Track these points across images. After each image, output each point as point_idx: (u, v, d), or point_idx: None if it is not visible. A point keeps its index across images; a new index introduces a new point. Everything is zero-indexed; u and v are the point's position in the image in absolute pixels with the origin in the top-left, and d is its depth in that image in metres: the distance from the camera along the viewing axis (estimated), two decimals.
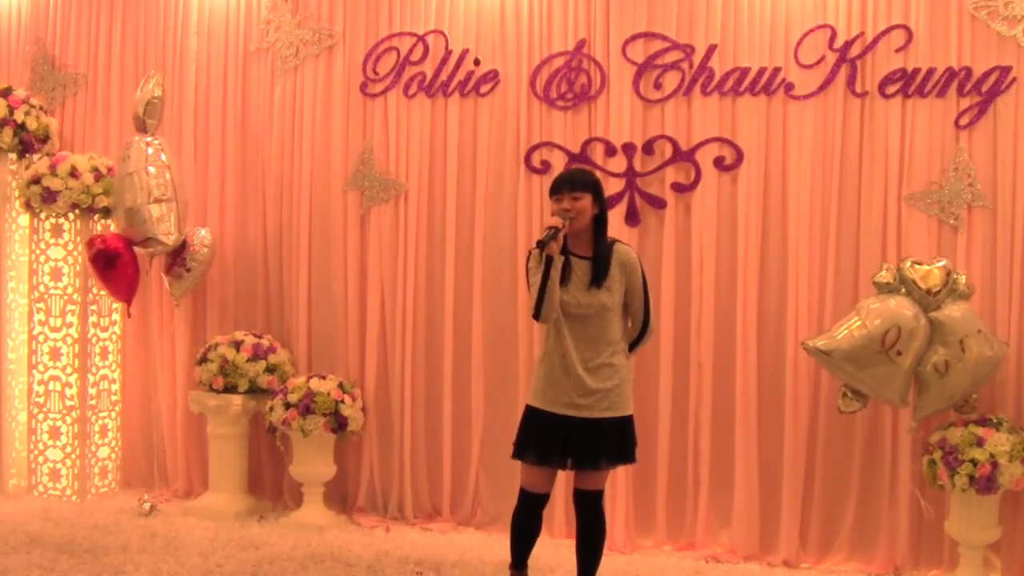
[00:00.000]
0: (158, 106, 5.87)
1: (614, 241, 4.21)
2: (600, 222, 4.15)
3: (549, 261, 3.96)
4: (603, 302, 4.07)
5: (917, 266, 4.80)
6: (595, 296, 4.06)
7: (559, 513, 5.48)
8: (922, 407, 4.86)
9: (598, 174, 5.46)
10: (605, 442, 4.12)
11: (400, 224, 5.87)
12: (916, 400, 4.88)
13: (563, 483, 5.50)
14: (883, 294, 4.82)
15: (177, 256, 5.96)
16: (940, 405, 4.85)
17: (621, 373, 4.13)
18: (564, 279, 4.05)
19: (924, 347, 4.74)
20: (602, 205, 4.15)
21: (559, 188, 4.12)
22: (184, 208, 5.90)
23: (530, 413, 4.20)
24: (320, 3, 6.03)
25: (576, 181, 4.13)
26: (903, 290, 4.80)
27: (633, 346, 4.25)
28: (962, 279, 4.81)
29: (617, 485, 5.45)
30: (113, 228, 6.08)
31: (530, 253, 4.16)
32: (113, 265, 5.79)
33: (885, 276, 4.84)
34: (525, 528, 4.27)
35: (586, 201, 4.07)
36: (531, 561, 4.50)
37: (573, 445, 4.10)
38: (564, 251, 4.05)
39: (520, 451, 4.20)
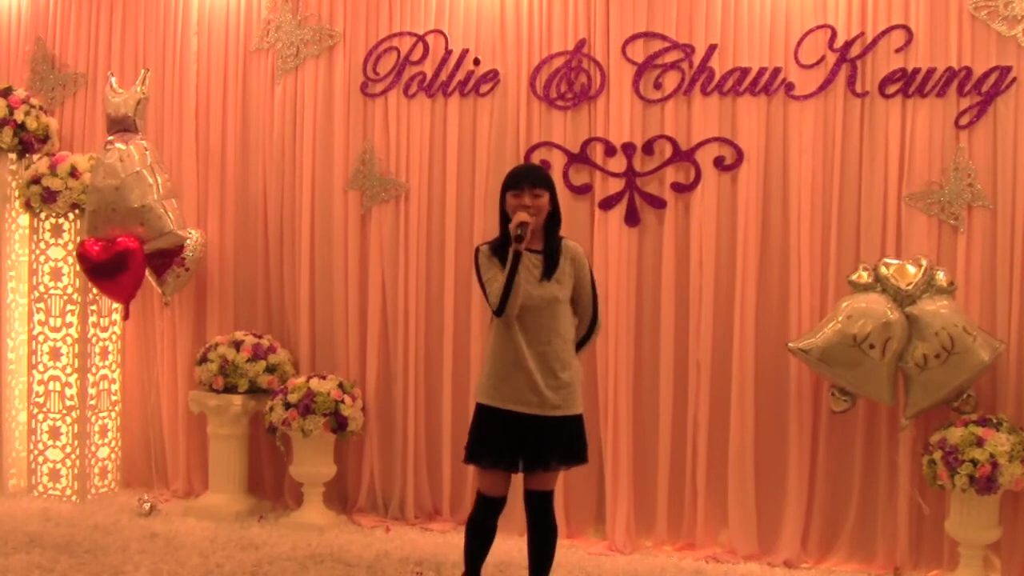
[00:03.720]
0: (145, 106, 5.91)
1: (562, 237, 4.21)
2: (553, 218, 4.16)
3: (518, 257, 3.94)
4: (554, 294, 4.06)
5: (891, 263, 4.89)
6: (546, 288, 4.06)
7: (558, 513, 5.49)
8: (911, 404, 4.89)
9: (598, 175, 5.56)
10: (556, 442, 4.07)
11: (401, 224, 5.87)
12: (905, 398, 4.91)
13: (559, 482, 5.54)
14: (859, 293, 4.89)
15: (175, 256, 5.95)
16: (928, 401, 4.87)
17: (571, 370, 4.10)
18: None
19: (903, 342, 4.79)
20: (556, 202, 4.16)
21: (519, 183, 4.09)
22: (181, 205, 6.00)
23: (482, 412, 4.13)
24: (320, 3, 6.03)
25: (537, 177, 4.14)
26: (879, 288, 4.85)
27: (582, 343, 4.25)
28: (940, 275, 4.84)
29: (619, 485, 5.46)
30: (84, 232, 6.00)
31: (478, 250, 4.18)
32: (127, 265, 5.78)
33: (861, 276, 4.92)
34: (482, 535, 4.20)
35: (545, 199, 4.09)
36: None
37: (524, 444, 4.05)
38: None
39: (476, 455, 4.13)
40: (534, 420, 4.04)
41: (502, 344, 4.09)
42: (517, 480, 4.23)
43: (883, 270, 4.89)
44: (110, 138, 5.86)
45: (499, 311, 4.02)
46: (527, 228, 3.95)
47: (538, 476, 4.14)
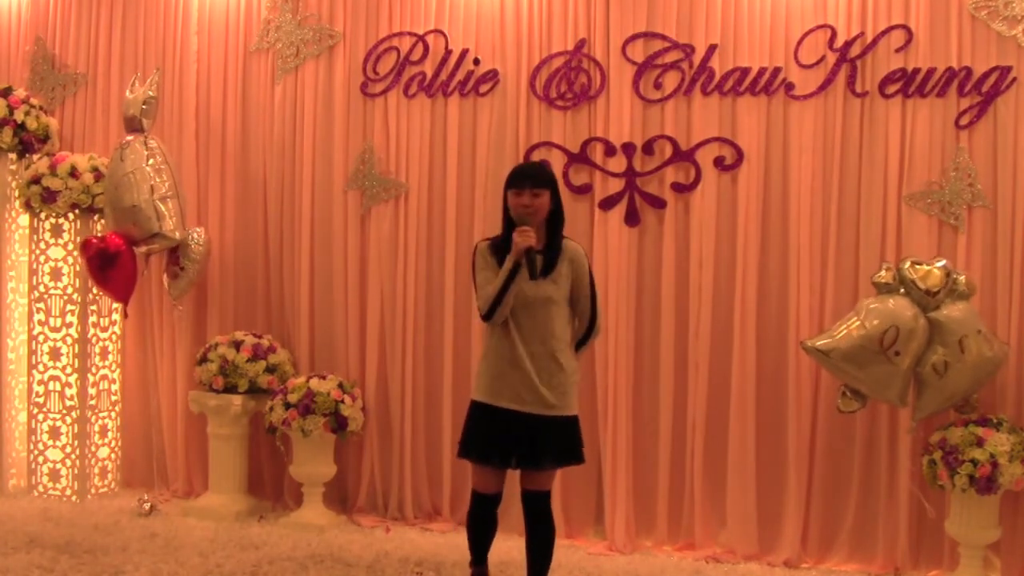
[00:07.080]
0: (154, 106, 5.92)
1: (564, 236, 4.20)
2: (555, 216, 4.14)
3: (516, 270, 3.99)
4: (548, 293, 4.06)
5: (916, 266, 4.80)
6: (540, 287, 4.05)
7: (558, 513, 5.48)
8: (921, 407, 4.86)
9: (598, 175, 5.55)
10: (548, 442, 4.09)
11: (400, 224, 5.87)
12: (915, 400, 4.88)
13: (558, 482, 5.54)
14: (882, 294, 4.83)
15: (171, 255, 5.96)
16: (939, 405, 4.85)
17: (567, 371, 4.11)
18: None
19: (923, 347, 4.75)
20: (558, 200, 4.15)
21: (521, 182, 4.09)
22: (184, 206, 5.95)
23: (475, 409, 4.18)
24: (320, 3, 6.03)
25: (539, 177, 4.13)
26: (902, 290, 4.80)
27: (580, 344, 4.22)
28: (962, 279, 4.81)
29: (618, 485, 5.46)
30: (102, 229, 6.11)
31: (477, 247, 4.23)
32: (113, 264, 5.80)
33: (884, 276, 4.85)
34: (480, 528, 4.27)
35: (545, 198, 4.09)
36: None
37: (516, 443, 4.08)
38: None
39: (465, 450, 4.19)
40: (530, 419, 4.06)
41: (499, 342, 4.11)
42: (514, 478, 4.25)
43: (908, 273, 4.78)
44: (128, 138, 5.88)
45: (486, 317, 4.07)
46: (534, 253, 3.98)
47: (532, 475, 4.16)
